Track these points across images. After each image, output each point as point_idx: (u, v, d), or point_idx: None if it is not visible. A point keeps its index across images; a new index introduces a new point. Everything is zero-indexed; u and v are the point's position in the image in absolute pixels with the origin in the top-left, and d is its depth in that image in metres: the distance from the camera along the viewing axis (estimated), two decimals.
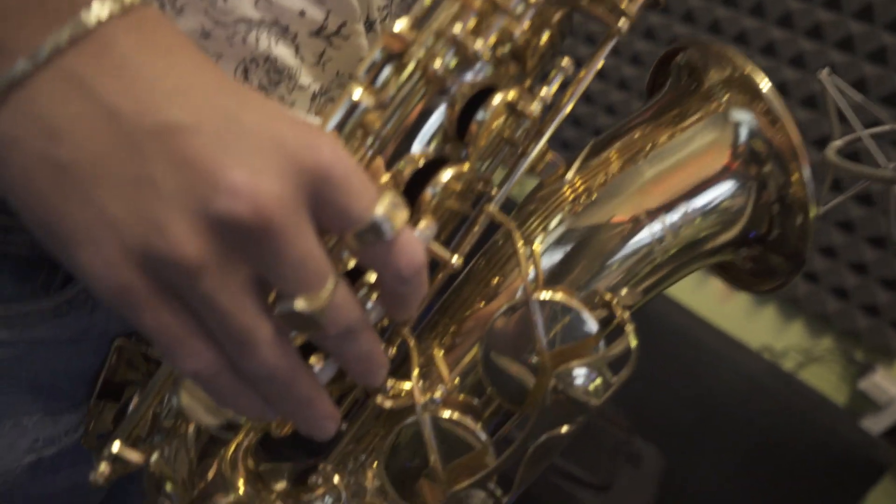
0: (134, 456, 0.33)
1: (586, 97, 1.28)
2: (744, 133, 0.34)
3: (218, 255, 0.23)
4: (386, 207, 0.25)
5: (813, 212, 0.33)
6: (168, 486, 0.34)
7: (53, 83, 0.22)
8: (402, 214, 0.26)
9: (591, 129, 1.32)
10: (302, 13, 0.33)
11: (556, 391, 0.32)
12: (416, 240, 0.27)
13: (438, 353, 0.37)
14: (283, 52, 0.33)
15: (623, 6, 0.32)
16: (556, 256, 0.35)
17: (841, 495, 1.17)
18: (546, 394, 0.32)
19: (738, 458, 1.22)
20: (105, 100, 0.22)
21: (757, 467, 1.20)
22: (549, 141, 0.35)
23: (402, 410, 0.35)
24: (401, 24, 0.28)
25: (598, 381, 0.32)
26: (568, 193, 0.36)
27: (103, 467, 0.32)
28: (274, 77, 0.34)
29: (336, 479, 0.37)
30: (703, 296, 1.25)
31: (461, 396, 0.36)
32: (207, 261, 0.23)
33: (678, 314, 1.23)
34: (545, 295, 0.33)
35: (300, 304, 0.25)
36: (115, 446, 0.32)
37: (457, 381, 0.36)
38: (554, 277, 0.35)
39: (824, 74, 0.41)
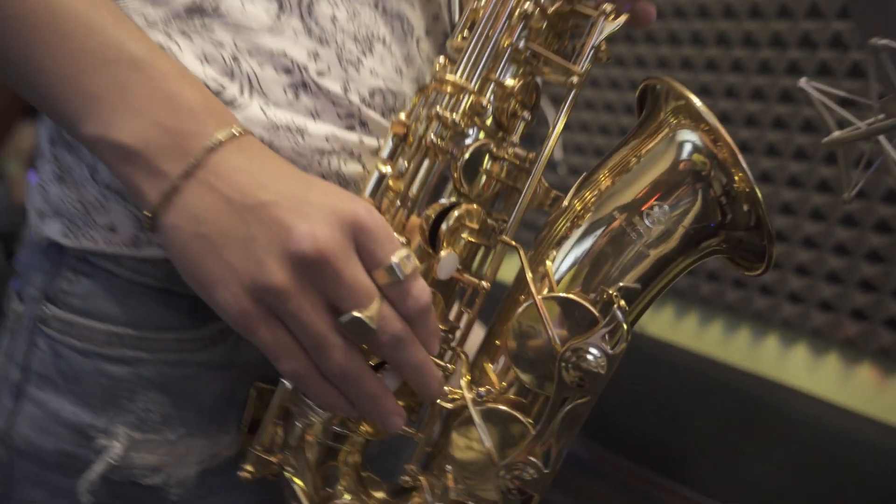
0: (272, 458, 0.46)
1: (584, 127, 1.41)
2: (687, 149, 0.43)
3: (298, 282, 0.37)
4: (399, 257, 0.38)
5: (759, 195, 0.41)
6: (297, 487, 0.46)
7: (193, 188, 0.38)
8: (412, 264, 0.39)
9: (593, 153, 1.40)
10: (361, 141, 0.48)
11: (567, 366, 0.40)
12: (424, 286, 0.39)
13: (488, 366, 0.47)
14: (351, 168, 0.48)
15: (575, 65, 0.44)
16: (566, 266, 0.44)
17: None
18: (560, 370, 0.40)
19: None
20: (224, 193, 0.38)
21: None
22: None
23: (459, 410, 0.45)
24: (402, 114, 0.42)
25: (603, 365, 0.40)
26: (569, 218, 0.46)
27: (249, 465, 0.45)
28: (343, 185, 0.48)
29: (422, 479, 0.46)
30: (823, 375, 1.17)
31: (511, 395, 0.45)
32: (291, 286, 0.37)
33: (804, 403, 1.16)
34: (546, 294, 0.42)
35: (356, 312, 0.37)
36: (257, 448, 0.46)
37: (504, 384, 0.45)
38: (569, 284, 0.44)
39: (804, 81, 0.48)
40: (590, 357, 0.40)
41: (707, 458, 1.25)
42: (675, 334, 1.37)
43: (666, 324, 1.38)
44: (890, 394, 1.15)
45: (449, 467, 0.47)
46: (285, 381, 0.45)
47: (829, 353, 1.21)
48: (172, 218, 0.39)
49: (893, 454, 1.10)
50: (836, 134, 0.47)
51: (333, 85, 0.46)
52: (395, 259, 0.38)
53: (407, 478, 0.47)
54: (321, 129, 0.46)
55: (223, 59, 0.44)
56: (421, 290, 0.39)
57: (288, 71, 0.45)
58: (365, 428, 0.47)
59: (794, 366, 1.24)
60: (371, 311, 0.38)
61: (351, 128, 0.48)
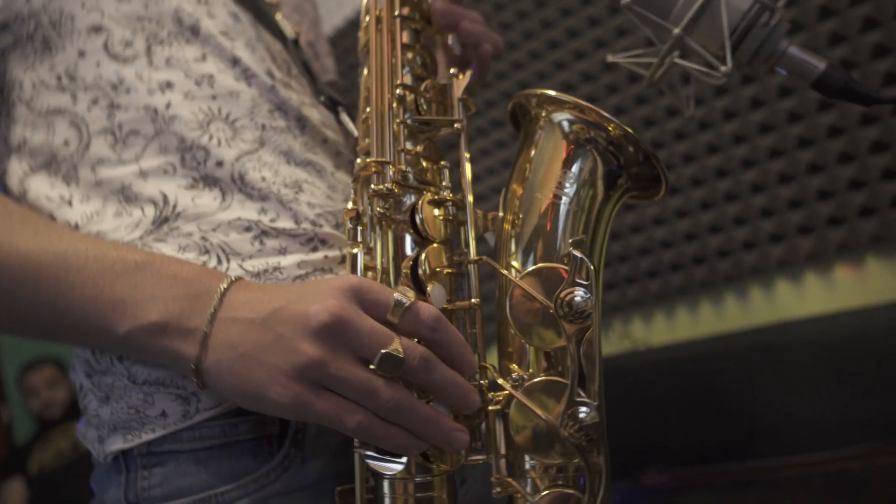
0: None
1: (490, 171, 1.64)
2: (565, 125, 0.55)
3: (329, 348, 0.45)
4: (398, 292, 0.48)
5: (631, 132, 0.53)
6: None
7: (219, 327, 0.48)
8: (410, 293, 0.48)
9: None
10: (325, 257, 0.59)
11: (565, 314, 0.49)
12: (427, 304, 0.48)
13: (512, 365, 0.54)
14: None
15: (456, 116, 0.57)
16: (527, 254, 0.55)
17: None
18: (561, 321, 0.49)
19: None
20: (244, 318, 0.47)
21: None
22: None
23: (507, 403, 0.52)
24: (349, 203, 0.54)
25: (589, 298, 0.49)
26: (509, 224, 0.57)
27: None
28: None
29: (510, 481, 0.52)
30: (812, 296, 1.27)
31: (541, 372, 0.53)
32: (325, 354, 0.45)
33: (812, 327, 1.24)
34: (521, 274, 0.52)
35: (384, 350, 0.46)
36: None
37: (531, 370, 0.53)
38: (535, 263, 0.54)
39: (613, 58, 0.63)
40: (577, 298, 0.49)
41: (780, 420, 1.28)
42: (676, 333, 1.45)
43: (664, 329, 1.46)
44: (872, 278, 1.25)
45: (529, 462, 0.53)
46: (357, 452, 0.50)
47: (803, 275, 1.31)
48: (212, 356, 0.48)
49: None
50: (646, 73, 0.60)
51: (286, 223, 0.58)
52: (395, 296, 0.47)
53: (498, 489, 0.52)
54: (292, 260, 0.57)
55: (195, 243, 0.55)
56: (427, 307, 0.48)
57: (248, 229, 0.57)
58: (443, 466, 0.53)
59: (787, 304, 1.33)
60: (394, 344, 0.46)
61: (314, 249, 0.59)
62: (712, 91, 1.29)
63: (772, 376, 1.30)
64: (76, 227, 0.57)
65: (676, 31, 0.54)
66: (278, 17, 0.69)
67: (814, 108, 1.19)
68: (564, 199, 0.54)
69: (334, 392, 0.46)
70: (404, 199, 0.55)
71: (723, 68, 0.52)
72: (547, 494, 0.51)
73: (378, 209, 0.54)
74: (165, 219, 0.56)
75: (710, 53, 0.55)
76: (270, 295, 0.48)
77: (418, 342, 0.48)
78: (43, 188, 0.58)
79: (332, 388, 0.46)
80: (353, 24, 1.89)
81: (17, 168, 0.60)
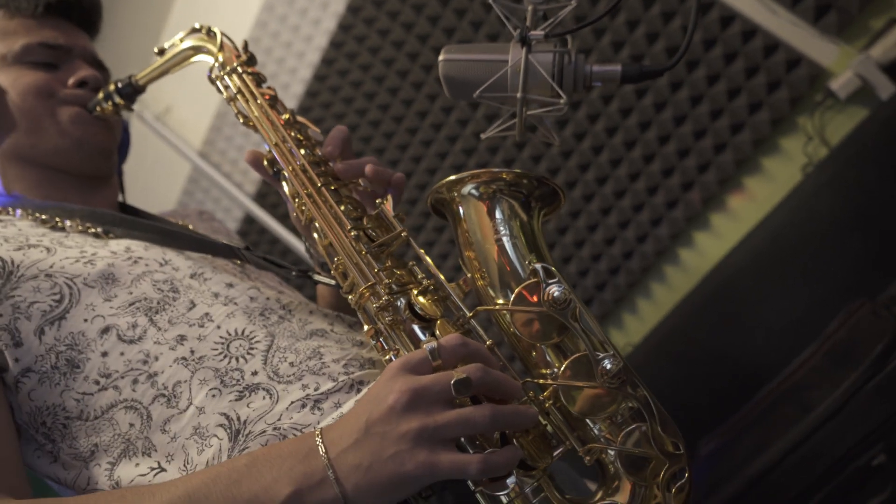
0: None
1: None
2: (475, 191, 0.75)
3: (421, 413, 0.59)
4: (427, 344, 0.63)
5: (520, 171, 0.73)
6: None
7: (339, 460, 0.60)
8: (433, 341, 0.64)
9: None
10: (368, 389, 0.73)
11: (556, 308, 0.66)
12: (450, 337, 0.64)
13: (542, 370, 0.70)
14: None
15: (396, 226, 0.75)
16: (504, 289, 0.72)
17: None
18: (558, 314, 0.66)
19: None
20: (349, 443, 0.60)
21: None
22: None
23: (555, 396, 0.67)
24: (366, 327, 0.70)
25: (563, 288, 0.67)
26: (480, 281, 0.74)
27: None
28: None
29: (594, 446, 0.66)
30: (726, 232, 1.54)
31: (564, 360, 0.68)
32: (422, 417, 0.59)
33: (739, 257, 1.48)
34: (510, 303, 0.69)
35: (452, 381, 0.60)
36: None
37: (556, 364, 0.69)
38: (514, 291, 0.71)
39: (486, 134, 0.84)
40: (556, 292, 0.66)
41: (773, 335, 1.45)
42: (647, 322, 1.63)
43: (636, 325, 1.65)
44: (756, 192, 1.50)
45: (595, 427, 0.67)
46: (477, 493, 0.63)
47: (710, 220, 1.55)
48: (349, 484, 0.60)
49: (802, 206, 1.42)
50: (515, 132, 0.81)
51: (327, 385, 0.72)
52: (425, 347, 0.63)
53: (587, 457, 0.66)
54: (348, 406, 0.71)
55: (272, 435, 0.69)
56: (447, 336, 0.64)
57: (303, 405, 0.71)
58: (541, 465, 0.66)
59: (711, 248, 1.56)
60: (455, 374, 0.61)
61: (358, 390, 0.73)
62: (555, 125, 1.56)
63: (741, 308, 1.50)
64: None
65: (519, 95, 0.76)
66: (222, 239, 0.86)
67: (634, 99, 1.47)
68: (505, 238, 0.73)
69: (447, 444, 0.59)
70: (398, 304, 0.72)
71: (561, 101, 0.74)
72: (621, 438, 0.65)
73: (387, 320, 0.70)
74: (238, 431, 0.69)
75: (548, 97, 0.77)
76: (354, 417, 0.62)
77: None
78: (132, 471, 0.70)
79: (443, 436, 0.59)
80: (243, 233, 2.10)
81: (99, 472, 0.71)
